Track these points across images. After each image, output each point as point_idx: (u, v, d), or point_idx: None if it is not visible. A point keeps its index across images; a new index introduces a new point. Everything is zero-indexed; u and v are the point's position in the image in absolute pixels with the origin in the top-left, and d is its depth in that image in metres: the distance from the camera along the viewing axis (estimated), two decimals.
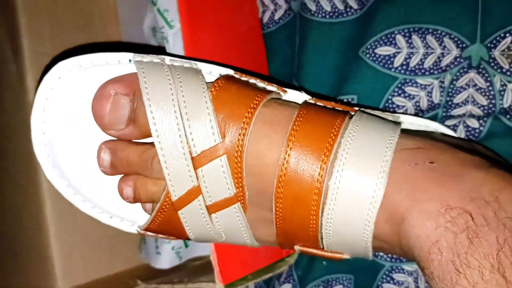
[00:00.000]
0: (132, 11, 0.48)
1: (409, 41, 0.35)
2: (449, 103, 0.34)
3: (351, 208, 0.25)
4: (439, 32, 0.34)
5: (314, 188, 0.26)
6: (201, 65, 0.29)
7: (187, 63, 0.29)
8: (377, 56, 0.36)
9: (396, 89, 0.35)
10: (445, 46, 0.34)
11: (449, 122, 0.34)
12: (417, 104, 0.35)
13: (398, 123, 0.28)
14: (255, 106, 0.27)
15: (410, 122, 0.31)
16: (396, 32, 0.35)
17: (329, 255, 0.28)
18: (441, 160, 0.25)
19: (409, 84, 0.35)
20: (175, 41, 0.35)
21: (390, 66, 0.35)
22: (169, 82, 0.27)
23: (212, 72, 0.29)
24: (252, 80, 0.29)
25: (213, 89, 0.27)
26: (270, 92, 0.29)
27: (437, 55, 0.34)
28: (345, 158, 0.25)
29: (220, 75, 0.29)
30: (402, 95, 0.35)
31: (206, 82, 0.28)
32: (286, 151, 0.26)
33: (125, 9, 0.49)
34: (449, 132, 0.32)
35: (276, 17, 0.42)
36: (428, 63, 0.35)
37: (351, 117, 0.28)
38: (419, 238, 0.24)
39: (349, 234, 0.26)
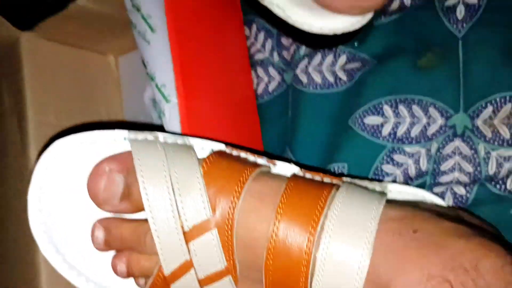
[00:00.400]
0: (134, 82, 0.51)
1: (396, 111, 0.37)
2: (437, 170, 0.35)
3: (338, 279, 0.26)
4: (424, 102, 0.36)
5: (302, 260, 0.26)
6: (193, 141, 0.31)
7: (180, 139, 0.30)
8: (365, 125, 0.37)
9: (385, 157, 0.37)
10: (430, 116, 0.36)
11: (437, 189, 0.35)
12: (406, 171, 0.36)
13: (384, 194, 0.29)
14: (244, 180, 0.28)
15: (399, 190, 0.32)
16: (383, 102, 0.37)
17: None
18: (424, 229, 0.26)
19: (397, 152, 0.36)
20: (171, 115, 0.37)
21: (379, 135, 0.37)
22: (162, 159, 0.28)
23: (204, 147, 0.31)
24: (243, 154, 0.31)
25: (204, 165, 0.29)
26: (260, 165, 0.30)
27: (423, 124, 0.36)
28: (332, 230, 0.26)
29: (212, 150, 0.31)
30: (391, 163, 0.36)
31: (198, 158, 0.29)
32: (274, 223, 0.27)
33: (127, 80, 0.52)
34: (437, 199, 0.33)
35: (270, 88, 0.44)
36: (415, 131, 0.36)
37: (338, 187, 0.29)
38: None
39: None
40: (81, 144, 0.30)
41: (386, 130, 0.37)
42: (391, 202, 0.29)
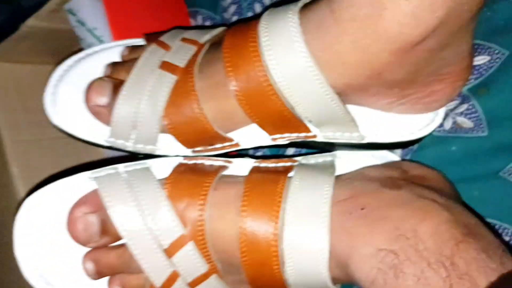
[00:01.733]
0: None
1: None
2: None
3: (306, 264, 0.29)
4: None
5: (271, 253, 0.30)
6: (150, 162, 0.34)
7: (138, 165, 0.34)
8: None
9: None
10: None
11: None
12: None
13: (333, 168, 0.32)
14: (205, 193, 0.31)
15: (348, 157, 0.35)
16: None
17: None
18: (370, 204, 0.29)
19: None
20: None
21: None
22: (127, 190, 0.31)
23: (162, 165, 0.34)
24: (200, 161, 0.34)
25: (167, 187, 0.32)
26: (218, 169, 0.33)
27: None
28: (291, 222, 0.29)
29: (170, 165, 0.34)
30: None
31: (159, 179, 0.32)
32: (240, 226, 0.30)
33: None
34: (393, 156, 0.36)
35: None
36: None
37: (293, 168, 0.32)
38: (361, 280, 0.27)
39: (311, 282, 0.30)
40: (51, 195, 0.33)
41: None
42: (339, 180, 0.32)
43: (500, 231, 0.33)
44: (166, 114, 0.33)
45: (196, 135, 0.33)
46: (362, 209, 0.29)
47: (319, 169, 0.33)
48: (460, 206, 0.29)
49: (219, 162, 0.34)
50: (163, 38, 0.36)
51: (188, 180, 0.32)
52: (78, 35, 0.42)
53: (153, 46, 0.35)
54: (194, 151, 0.35)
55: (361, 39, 0.27)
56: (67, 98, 0.35)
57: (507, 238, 0.33)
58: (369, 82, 0.29)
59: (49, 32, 0.45)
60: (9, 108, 0.48)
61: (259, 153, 0.43)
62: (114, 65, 0.36)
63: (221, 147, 0.34)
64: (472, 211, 0.29)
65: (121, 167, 0.34)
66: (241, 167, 0.34)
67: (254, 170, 0.34)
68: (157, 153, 0.35)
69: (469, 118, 0.36)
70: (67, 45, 0.49)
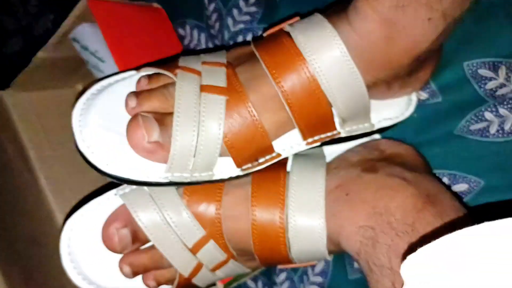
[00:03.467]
0: None
1: None
2: None
3: (309, 244, 0.35)
4: None
5: (280, 240, 0.35)
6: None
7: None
8: None
9: None
10: None
11: None
12: None
13: (323, 162, 0.37)
14: (219, 199, 0.37)
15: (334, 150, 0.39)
16: None
17: (303, 265, 0.39)
18: (352, 190, 0.34)
19: None
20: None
21: None
22: (150, 202, 0.36)
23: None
24: None
25: (185, 196, 0.37)
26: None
27: None
28: (294, 215, 0.35)
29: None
30: None
31: (177, 189, 0.37)
32: (252, 223, 0.35)
33: None
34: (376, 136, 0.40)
35: None
36: None
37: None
38: (350, 252, 0.33)
39: (312, 257, 0.36)
40: (86, 215, 0.38)
41: None
42: (328, 170, 0.37)
43: (460, 180, 0.38)
44: (225, 135, 0.34)
45: (252, 150, 0.35)
46: (346, 194, 0.34)
47: (312, 160, 0.37)
48: (427, 177, 0.34)
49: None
50: (185, 64, 0.36)
51: (203, 189, 0.37)
52: (83, 58, 0.49)
53: (181, 72, 0.34)
54: (242, 170, 0.36)
55: (389, 46, 0.32)
56: (101, 142, 0.34)
57: (465, 185, 0.38)
58: (387, 78, 0.34)
59: (57, 60, 0.51)
60: (32, 130, 0.54)
61: None
62: (138, 95, 0.35)
63: (264, 161, 0.36)
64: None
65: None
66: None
67: (258, 175, 0.37)
68: (213, 178, 0.36)
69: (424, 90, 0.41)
70: (74, 68, 0.55)
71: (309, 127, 0.35)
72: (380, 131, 0.39)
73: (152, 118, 0.33)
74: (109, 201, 0.38)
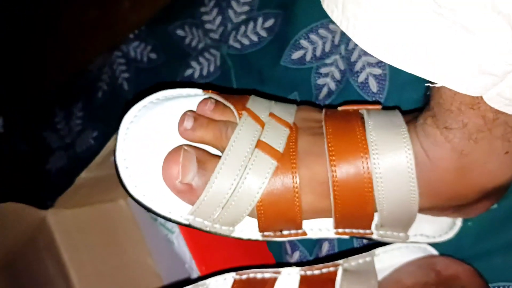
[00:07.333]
0: (145, 215, 0.59)
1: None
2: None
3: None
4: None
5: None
6: (208, 281, 0.35)
7: (199, 286, 0.35)
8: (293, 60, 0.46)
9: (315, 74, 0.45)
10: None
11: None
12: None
13: (375, 280, 0.33)
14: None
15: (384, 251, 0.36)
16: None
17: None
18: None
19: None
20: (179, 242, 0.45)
21: (304, 61, 0.46)
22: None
23: (219, 283, 0.35)
24: (251, 275, 0.35)
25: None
26: (269, 282, 0.34)
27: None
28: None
29: None
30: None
31: None
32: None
33: (140, 215, 0.60)
34: (429, 248, 0.36)
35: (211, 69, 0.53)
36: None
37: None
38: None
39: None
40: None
41: (308, 56, 0.46)
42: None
43: None
44: (261, 199, 0.32)
45: (280, 222, 0.33)
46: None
47: (363, 278, 0.34)
48: None
49: (268, 274, 0.35)
50: (252, 108, 0.35)
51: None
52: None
53: (246, 117, 0.34)
54: (263, 235, 0.35)
55: (459, 177, 0.30)
56: (137, 159, 0.33)
57: None
58: (445, 206, 0.33)
59: (100, 178, 0.53)
60: (73, 247, 0.54)
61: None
62: (196, 119, 0.34)
63: (288, 234, 0.35)
64: None
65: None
66: (290, 277, 0.35)
67: (303, 281, 0.34)
68: (232, 235, 0.34)
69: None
70: (117, 183, 0.56)
71: (345, 220, 0.33)
72: None
73: (194, 157, 0.32)
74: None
